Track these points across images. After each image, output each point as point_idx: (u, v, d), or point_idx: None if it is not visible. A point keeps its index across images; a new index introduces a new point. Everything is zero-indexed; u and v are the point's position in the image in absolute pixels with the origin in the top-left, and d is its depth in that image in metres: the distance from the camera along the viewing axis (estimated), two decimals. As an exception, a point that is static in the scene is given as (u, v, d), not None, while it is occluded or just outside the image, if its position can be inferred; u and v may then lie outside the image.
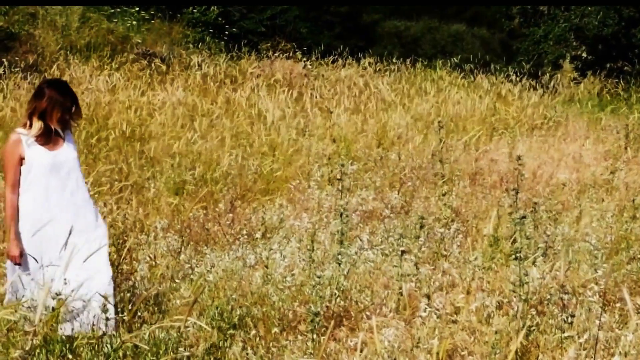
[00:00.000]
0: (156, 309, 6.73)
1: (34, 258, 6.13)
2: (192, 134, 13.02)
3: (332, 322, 5.41)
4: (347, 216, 7.70)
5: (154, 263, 7.78)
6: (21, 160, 6.14)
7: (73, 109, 6.20)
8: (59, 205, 6.18)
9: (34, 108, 6.12)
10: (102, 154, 11.52)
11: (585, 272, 7.71)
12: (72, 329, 5.94)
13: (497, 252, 8.24)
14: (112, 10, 20.40)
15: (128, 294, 6.74)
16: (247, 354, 6.09)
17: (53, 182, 6.18)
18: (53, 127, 6.13)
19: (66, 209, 6.20)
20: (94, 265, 6.12)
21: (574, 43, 26.69)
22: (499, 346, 6.06)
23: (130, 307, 6.38)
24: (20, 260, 6.10)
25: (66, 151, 6.28)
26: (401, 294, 7.04)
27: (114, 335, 5.67)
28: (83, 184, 6.40)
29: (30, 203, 6.14)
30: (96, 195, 9.72)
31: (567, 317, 6.25)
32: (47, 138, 6.18)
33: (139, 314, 6.47)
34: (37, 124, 6.11)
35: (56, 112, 6.10)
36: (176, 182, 10.93)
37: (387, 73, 21.74)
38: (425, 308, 6.49)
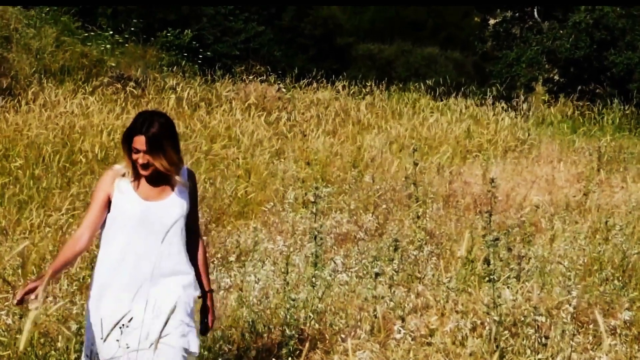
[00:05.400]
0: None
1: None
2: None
3: (307, 345, 5.41)
4: (321, 239, 7.71)
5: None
6: (109, 201, 4.70)
7: (146, 150, 4.56)
8: (135, 274, 4.64)
9: None
10: (75, 177, 11.48)
11: (559, 293, 7.74)
12: None
13: (470, 274, 8.26)
14: (86, 34, 20.40)
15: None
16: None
17: (136, 242, 4.66)
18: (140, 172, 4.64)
19: (143, 281, 4.63)
20: None
21: (547, 66, 26.95)
22: (473, 368, 6.08)
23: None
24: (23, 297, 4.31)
25: (167, 205, 4.72)
26: (376, 316, 7.05)
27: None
28: (180, 252, 4.79)
29: (102, 263, 4.70)
30: (70, 219, 9.69)
31: (541, 339, 6.27)
32: (146, 183, 4.71)
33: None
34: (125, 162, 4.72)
35: (126, 152, 4.63)
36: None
37: (362, 96, 21.80)
38: (400, 330, 6.50)
